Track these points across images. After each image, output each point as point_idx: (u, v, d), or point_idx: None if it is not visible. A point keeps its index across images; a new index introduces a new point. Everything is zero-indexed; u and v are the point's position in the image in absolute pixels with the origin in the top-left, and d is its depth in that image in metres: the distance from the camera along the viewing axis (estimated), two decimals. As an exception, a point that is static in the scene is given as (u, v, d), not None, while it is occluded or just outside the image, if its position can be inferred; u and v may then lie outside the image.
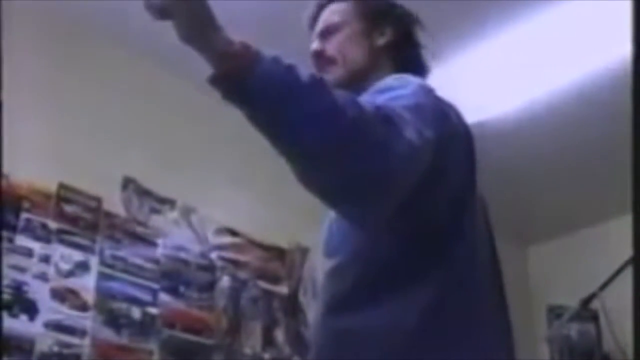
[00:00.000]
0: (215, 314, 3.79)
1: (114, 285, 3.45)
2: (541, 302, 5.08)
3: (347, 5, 1.90)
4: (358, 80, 1.76)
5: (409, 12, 1.94)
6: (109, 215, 3.58)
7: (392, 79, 1.63)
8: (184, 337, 3.62)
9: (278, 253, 4.14)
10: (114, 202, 3.64)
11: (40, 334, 3.15)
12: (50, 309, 3.21)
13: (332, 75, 1.78)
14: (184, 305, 3.69)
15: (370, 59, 1.83)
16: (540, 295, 5.33)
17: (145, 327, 3.49)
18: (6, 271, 3.10)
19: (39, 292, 3.21)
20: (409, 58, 1.89)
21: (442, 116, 1.54)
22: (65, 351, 3.19)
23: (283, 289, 4.11)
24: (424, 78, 1.82)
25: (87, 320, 3.31)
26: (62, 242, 3.36)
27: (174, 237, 3.80)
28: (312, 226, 4.41)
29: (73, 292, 3.31)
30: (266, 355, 3.90)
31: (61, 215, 3.41)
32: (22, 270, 3.18)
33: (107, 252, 3.50)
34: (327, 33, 1.86)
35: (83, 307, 3.32)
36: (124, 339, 3.40)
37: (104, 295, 3.41)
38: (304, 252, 4.24)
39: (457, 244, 1.52)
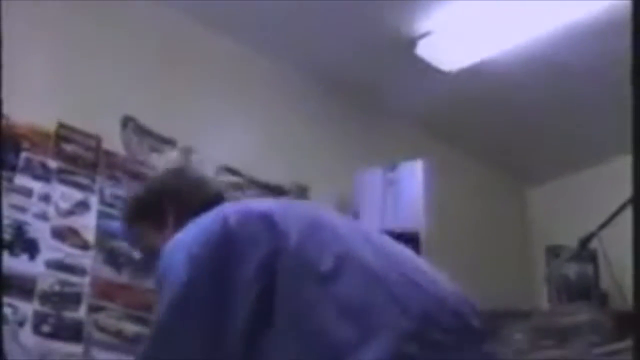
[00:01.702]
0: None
1: (114, 224, 3.45)
2: (541, 243, 5.09)
3: (137, 225, 2.15)
4: None
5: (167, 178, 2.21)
6: (108, 154, 3.58)
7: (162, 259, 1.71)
8: (184, 276, 3.64)
9: (278, 193, 4.13)
10: (114, 141, 3.63)
11: (41, 273, 3.17)
12: (51, 248, 3.23)
13: None
14: (184, 244, 3.70)
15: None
16: (540, 236, 5.34)
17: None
18: (6, 211, 3.11)
19: (40, 231, 3.22)
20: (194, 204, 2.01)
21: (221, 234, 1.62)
22: (66, 289, 3.22)
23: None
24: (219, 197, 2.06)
25: (88, 259, 3.34)
26: (61, 181, 3.37)
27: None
28: (311, 163, 4.41)
29: (73, 231, 3.33)
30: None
31: (61, 155, 3.41)
32: (22, 209, 3.20)
33: (107, 191, 3.51)
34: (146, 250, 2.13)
35: (83, 245, 3.34)
36: (124, 278, 3.43)
37: (104, 234, 3.42)
38: (303, 191, 4.24)
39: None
